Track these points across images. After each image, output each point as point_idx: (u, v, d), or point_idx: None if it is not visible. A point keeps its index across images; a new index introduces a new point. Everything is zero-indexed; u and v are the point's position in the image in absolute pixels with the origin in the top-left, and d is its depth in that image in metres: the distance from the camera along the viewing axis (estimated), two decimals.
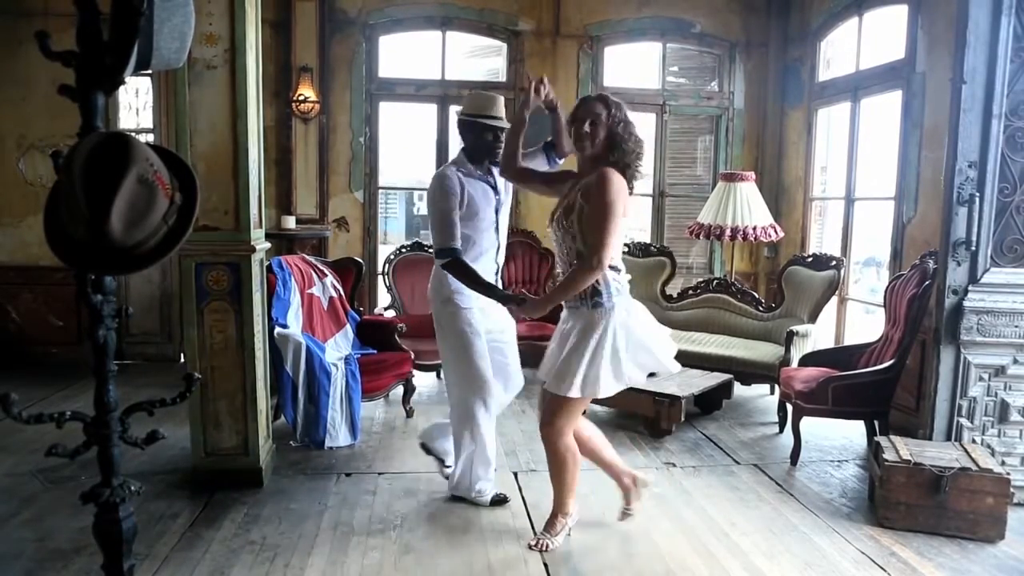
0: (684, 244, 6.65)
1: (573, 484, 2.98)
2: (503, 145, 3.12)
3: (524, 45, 6.36)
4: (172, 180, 1.53)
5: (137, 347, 5.95)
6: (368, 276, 6.07)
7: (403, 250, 5.77)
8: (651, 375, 4.48)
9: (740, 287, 5.77)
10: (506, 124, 3.17)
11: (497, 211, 3.24)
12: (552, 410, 2.85)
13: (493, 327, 3.28)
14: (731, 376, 4.85)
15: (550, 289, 4.22)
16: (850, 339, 5.60)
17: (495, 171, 3.23)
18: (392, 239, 10.59)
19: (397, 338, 4.67)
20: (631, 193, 2.75)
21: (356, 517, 3.26)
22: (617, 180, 2.65)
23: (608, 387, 2.75)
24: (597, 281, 2.69)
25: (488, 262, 3.22)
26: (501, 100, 3.24)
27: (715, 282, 5.82)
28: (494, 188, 3.23)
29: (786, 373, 4.34)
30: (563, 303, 2.83)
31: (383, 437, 4.37)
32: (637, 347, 2.77)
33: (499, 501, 3.37)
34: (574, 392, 2.73)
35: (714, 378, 4.74)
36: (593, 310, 2.72)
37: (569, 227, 2.73)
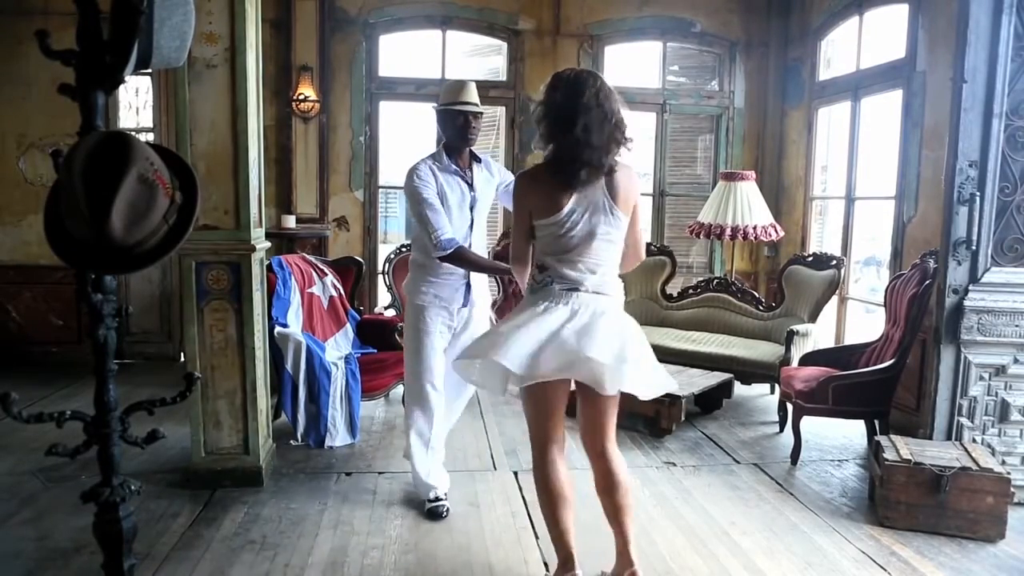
0: (684, 243, 6.65)
1: (548, 523, 2.59)
2: (475, 133, 3.15)
3: (524, 44, 6.35)
4: (172, 179, 1.53)
5: (137, 346, 5.94)
6: (368, 275, 6.07)
7: (403, 249, 5.73)
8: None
9: (740, 286, 5.77)
10: (478, 108, 3.15)
11: (472, 208, 3.20)
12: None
13: (457, 327, 3.29)
14: (731, 375, 4.85)
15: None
16: (850, 338, 5.60)
17: (476, 167, 3.23)
18: (392, 238, 10.57)
19: (397, 337, 4.66)
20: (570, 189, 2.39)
21: (356, 517, 3.26)
22: (515, 190, 2.54)
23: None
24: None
25: None
26: (472, 85, 3.20)
27: (715, 281, 5.82)
28: (469, 184, 3.20)
29: (786, 372, 4.34)
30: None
31: (383, 436, 4.37)
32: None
33: (433, 512, 3.25)
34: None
35: (714, 377, 4.74)
36: None
37: None
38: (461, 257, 3.08)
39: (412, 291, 3.24)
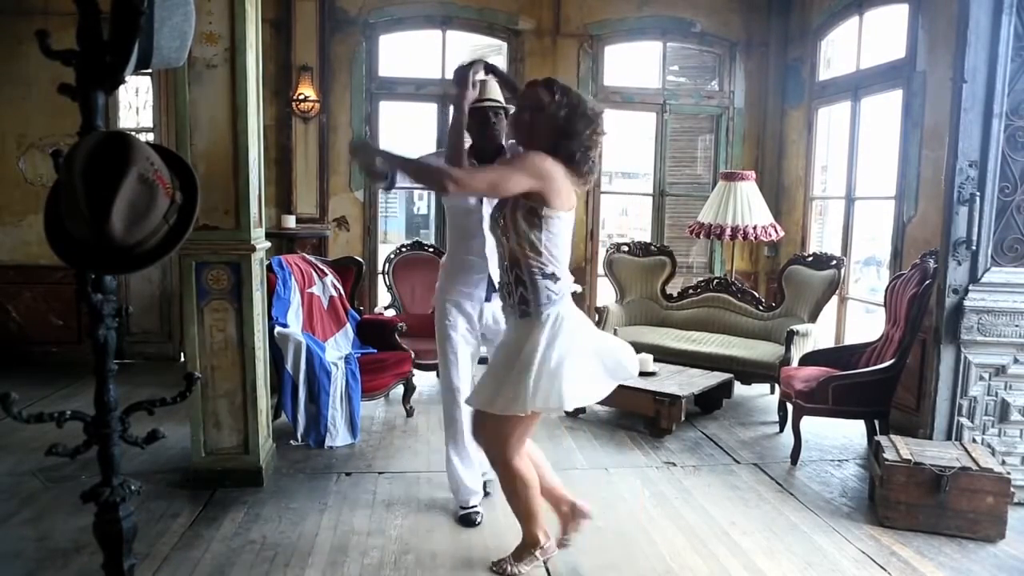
0: (684, 243, 6.65)
1: (531, 511, 2.71)
2: (497, 130, 3.12)
3: (524, 44, 6.35)
4: (173, 179, 1.53)
5: (137, 346, 5.94)
6: (368, 275, 6.06)
7: (403, 249, 5.76)
8: (648, 374, 4.57)
9: (740, 286, 5.78)
10: (499, 103, 3.13)
11: (481, 201, 3.10)
12: (485, 427, 2.64)
13: (483, 331, 3.25)
14: (731, 375, 4.85)
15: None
16: (850, 339, 5.59)
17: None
18: (392, 238, 10.59)
19: (397, 337, 4.67)
20: (585, 186, 2.53)
21: (356, 517, 3.26)
22: (538, 155, 2.42)
23: (545, 402, 2.41)
24: (526, 289, 2.44)
25: (483, 258, 3.13)
26: (492, 82, 3.17)
27: (715, 281, 5.83)
28: None
29: (786, 372, 4.34)
30: (503, 311, 2.67)
31: (383, 436, 4.37)
32: (579, 358, 2.44)
33: (466, 519, 3.22)
34: (498, 408, 2.49)
35: (714, 377, 4.74)
36: (521, 320, 2.49)
37: (502, 223, 2.48)
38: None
39: (437, 292, 3.26)
